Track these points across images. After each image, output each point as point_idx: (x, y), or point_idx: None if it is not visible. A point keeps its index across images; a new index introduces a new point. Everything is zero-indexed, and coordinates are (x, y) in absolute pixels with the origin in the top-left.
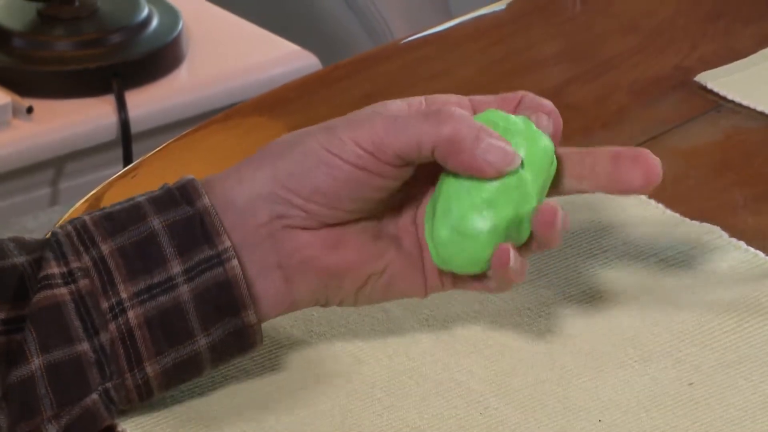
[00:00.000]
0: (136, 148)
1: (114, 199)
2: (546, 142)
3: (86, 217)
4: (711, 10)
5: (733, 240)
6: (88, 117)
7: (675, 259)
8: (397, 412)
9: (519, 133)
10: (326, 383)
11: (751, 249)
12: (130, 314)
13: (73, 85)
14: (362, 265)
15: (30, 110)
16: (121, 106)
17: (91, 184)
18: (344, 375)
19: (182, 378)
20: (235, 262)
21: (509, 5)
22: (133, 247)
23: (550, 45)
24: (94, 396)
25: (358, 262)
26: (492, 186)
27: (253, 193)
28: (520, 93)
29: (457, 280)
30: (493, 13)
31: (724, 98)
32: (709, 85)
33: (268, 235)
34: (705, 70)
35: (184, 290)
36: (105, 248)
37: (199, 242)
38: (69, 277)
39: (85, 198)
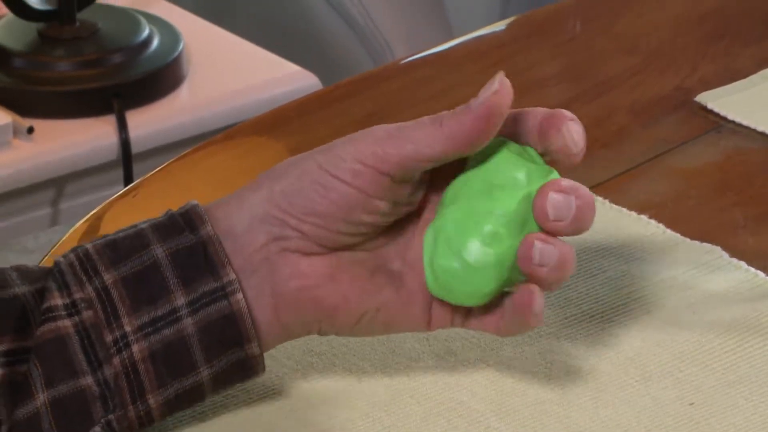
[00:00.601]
0: (136, 168)
1: (114, 219)
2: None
3: (89, 246)
4: (711, 31)
5: (734, 260)
6: (89, 137)
7: (675, 279)
8: (398, 431)
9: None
10: (327, 403)
11: (752, 269)
12: (135, 348)
13: (73, 106)
14: (355, 301)
15: (31, 130)
16: (122, 126)
17: (91, 204)
18: (345, 394)
19: (183, 406)
20: (239, 295)
21: (509, 25)
22: (136, 277)
23: (551, 65)
24: (97, 429)
25: (351, 297)
26: (500, 217)
27: (251, 215)
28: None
29: (467, 318)
30: (494, 33)
31: (724, 118)
32: (710, 106)
33: (264, 260)
34: (705, 90)
35: (188, 323)
36: (108, 278)
37: (203, 273)
38: (72, 308)
39: (86, 218)
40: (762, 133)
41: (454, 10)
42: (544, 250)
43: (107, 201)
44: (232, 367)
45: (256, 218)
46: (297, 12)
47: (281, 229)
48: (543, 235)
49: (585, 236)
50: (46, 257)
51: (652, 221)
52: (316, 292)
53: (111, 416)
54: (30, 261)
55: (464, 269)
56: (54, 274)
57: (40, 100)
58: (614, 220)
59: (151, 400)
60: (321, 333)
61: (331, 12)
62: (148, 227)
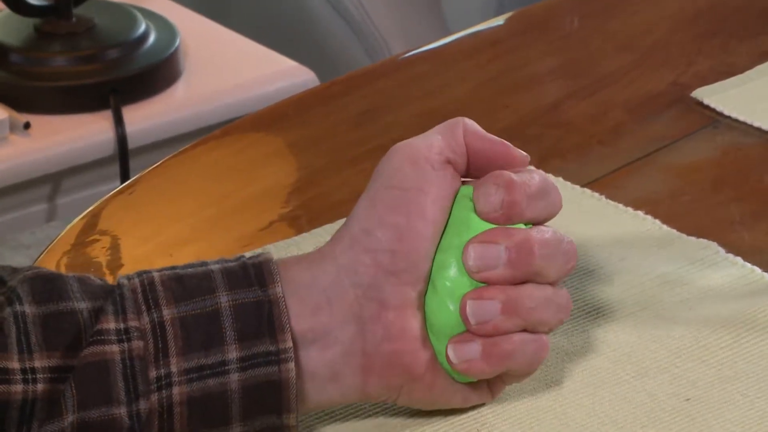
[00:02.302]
0: (133, 163)
1: (112, 215)
2: None
3: (156, 274)
4: (707, 27)
5: (730, 255)
6: (86, 132)
7: (671, 274)
8: (394, 428)
9: None
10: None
11: (748, 264)
12: (175, 390)
13: (70, 101)
14: (440, 371)
15: (27, 126)
16: (119, 121)
17: (88, 200)
18: None
19: None
20: (291, 365)
21: (506, 22)
22: (194, 319)
23: (547, 62)
24: None
25: (437, 367)
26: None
27: (337, 267)
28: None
29: (512, 378)
30: (490, 29)
31: (720, 114)
32: (706, 101)
33: (356, 318)
34: (701, 86)
35: (234, 378)
36: (167, 314)
37: (261, 333)
38: (124, 335)
39: (83, 215)
40: (758, 129)
41: (450, 6)
42: (477, 307)
43: (104, 197)
44: (263, 431)
45: (342, 269)
46: (294, 8)
47: (373, 276)
48: (477, 292)
49: (580, 232)
50: (44, 253)
51: (648, 217)
52: (408, 358)
53: None
54: (26, 257)
55: (438, 350)
56: (114, 296)
57: (37, 95)
58: (610, 216)
59: None
60: (397, 400)
61: (328, 8)
62: (217, 270)
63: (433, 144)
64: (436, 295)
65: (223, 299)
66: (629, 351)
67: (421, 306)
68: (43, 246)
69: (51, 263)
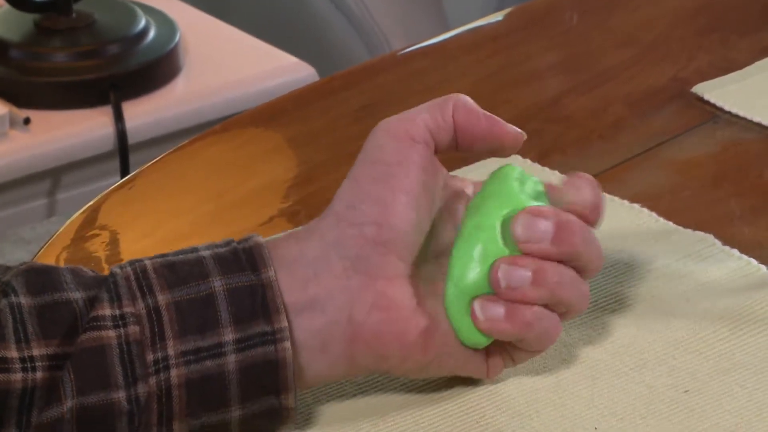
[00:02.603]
0: (133, 158)
1: (111, 210)
2: None
3: (147, 262)
4: (707, 23)
5: (727, 248)
6: (86, 128)
7: (669, 267)
8: (393, 420)
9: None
10: (320, 393)
11: (745, 257)
12: (173, 372)
13: (70, 96)
14: (433, 340)
15: (27, 121)
16: (119, 117)
17: (88, 195)
18: (338, 385)
19: None
20: (287, 344)
21: (506, 17)
22: (189, 304)
23: (547, 57)
24: None
25: (430, 335)
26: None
27: (323, 243)
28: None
29: (513, 357)
30: (490, 24)
31: (720, 109)
32: (706, 97)
33: (343, 289)
34: (701, 81)
35: (231, 360)
36: (162, 299)
37: (256, 315)
38: (120, 321)
39: (83, 209)
40: (758, 124)
41: (450, 1)
42: (509, 272)
43: (104, 192)
44: (263, 413)
45: (329, 244)
46: (293, 3)
47: (360, 248)
48: (512, 258)
49: None
50: (44, 248)
51: (645, 210)
52: (400, 326)
53: None
54: (27, 252)
55: (451, 315)
56: (108, 284)
57: (37, 91)
58: (607, 209)
59: (176, 427)
60: (387, 371)
61: (328, 3)
62: (209, 257)
63: (417, 120)
64: (468, 253)
65: (217, 284)
66: (628, 343)
67: (411, 274)
68: (43, 241)
69: (51, 258)
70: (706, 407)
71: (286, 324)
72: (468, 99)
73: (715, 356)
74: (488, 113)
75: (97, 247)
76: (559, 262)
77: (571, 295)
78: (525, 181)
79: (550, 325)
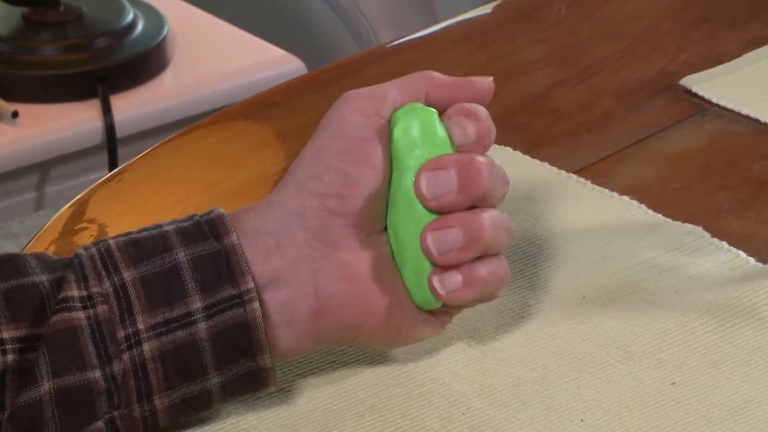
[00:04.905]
0: (121, 152)
1: (100, 204)
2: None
3: (111, 241)
4: (696, 15)
5: (715, 240)
6: (74, 121)
7: (657, 259)
8: (380, 412)
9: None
10: (308, 384)
11: (733, 249)
12: (146, 346)
13: (58, 90)
14: (398, 309)
15: (15, 115)
16: (107, 110)
17: (76, 189)
18: (327, 376)
19: (189, 412)
20: (256, 304)
21: (494, 9)
22: (155, 277)
23: (536, 49)
24: (100, 424)
25: (395, 305)
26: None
27: (284, 213)
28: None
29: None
30: (479, 17)
31: (709, 102)
32: (695, 89)
33: (306, 259)
34: (690, 74)
35: (202, 327)
36: (127, 275)
37: (222, 280)
38: (88, 302)
39: (71, 203)
40: (747, 116)
41: None
42: (437, 238)
43: (92, 186)
44: (242, 377)
45: (290, 214)
46: None
47: (321, 219)
48: (437, 222)
49: (566, 217)
50: (32, 241)
51: (634, 202)
52: (365, 297)
53: (115, 413)
54: (15, 245)
55: (405, 280)
56: (74, 265)
57: (25, 84)
58: (596, 202)
59: (157, 402)
60: (353, 343)
61: None
62: (172, 230)
63: (386, 97)
64: (403, 217)
65: (181, 255)
66: (615, 335)
67: (370, 246)
68: (31, 234)
69: (39, 251)
70: (692, 399)
71: (253, 286)
72: (437, 74)
73: (702, 349)
74: (457, 78)
75: (86, 241)
76: (473, 206)
77: (499, 235)
78: (429, 126)
79: (503, 272)
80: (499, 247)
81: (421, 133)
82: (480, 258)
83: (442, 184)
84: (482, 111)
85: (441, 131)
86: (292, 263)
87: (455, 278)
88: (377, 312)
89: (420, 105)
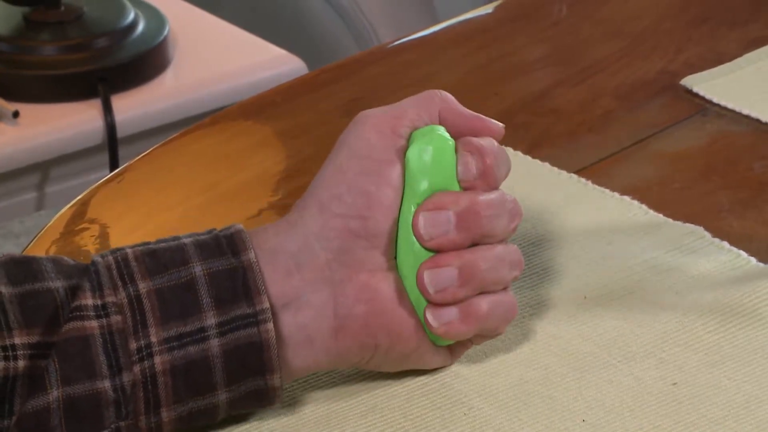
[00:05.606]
0: (122, 152)
1: (100, 204)
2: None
3: (129, 250)
4: (696, 15)
5: (716, 240)
6: (75, 121)
7: (658, 259)
8: (382, 412)
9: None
10: (310, 385)
11: (734, 249)
12: (157, 360)
13: (59, 90)
14: (415, 331)
15: (16, 114)
16: (107, 110)
17: (77, 189)
18: (328, 376)
19: (194, 424)
20: (270, 325)
21: (495, 9)
22: (170, 290)
23: (536, 49)
24: None
25: (412, 327)
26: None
27: (305, 233)
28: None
29: (474, 339)
30: (479, 17)
31: (709, 102)
32: (695, 89)
33: (326, 281)
34: (690, 73)
35: (215, 344)
36: (143, 287)
37: (238, 297)
38: (102, 311)
39: (72, 203)
40: (747, 116)
41: None
42: (433, 276)
43: (93, 186)
44: (249, 394)
45: (311, 235)
46: None
47: (343, 240)
48: (433, 260)
49: (566, 218)
50: (33, 241)
51: (635, 202)
52: (386, 318)
53: (121, 423)
54: (16, 245)
55: (417, 311)
56: (90, 273)
57: (26, 84)
58: (596, 202)
59: (164, 414)
60: (370, 363)
61: None
62: (190, 243)
63: (403, 116)
64: (407, 251)
65: (197, 269)
66: (616, 335)
67: (392, 268)
68: (32, 234)
69: (40, 251)
70: (694, 400)
71: (268, 305)
72: (450, 96)
73: (703, 349)
74: (471, 111)
75: (87, 241)
76: (475, 243)
77: (502, 274)
78: (443, 155)
79: (506, 308)
80: (502, 284)
81: (433, 160)
82: (483, 293)
83: (439, 225)
84: (490, 147)
85: (453, 162)
86: (311, 284)
87: (450, 312)
88: (398, 329)
89: (442, 130)
